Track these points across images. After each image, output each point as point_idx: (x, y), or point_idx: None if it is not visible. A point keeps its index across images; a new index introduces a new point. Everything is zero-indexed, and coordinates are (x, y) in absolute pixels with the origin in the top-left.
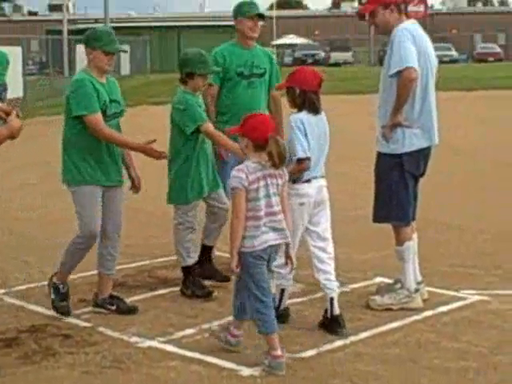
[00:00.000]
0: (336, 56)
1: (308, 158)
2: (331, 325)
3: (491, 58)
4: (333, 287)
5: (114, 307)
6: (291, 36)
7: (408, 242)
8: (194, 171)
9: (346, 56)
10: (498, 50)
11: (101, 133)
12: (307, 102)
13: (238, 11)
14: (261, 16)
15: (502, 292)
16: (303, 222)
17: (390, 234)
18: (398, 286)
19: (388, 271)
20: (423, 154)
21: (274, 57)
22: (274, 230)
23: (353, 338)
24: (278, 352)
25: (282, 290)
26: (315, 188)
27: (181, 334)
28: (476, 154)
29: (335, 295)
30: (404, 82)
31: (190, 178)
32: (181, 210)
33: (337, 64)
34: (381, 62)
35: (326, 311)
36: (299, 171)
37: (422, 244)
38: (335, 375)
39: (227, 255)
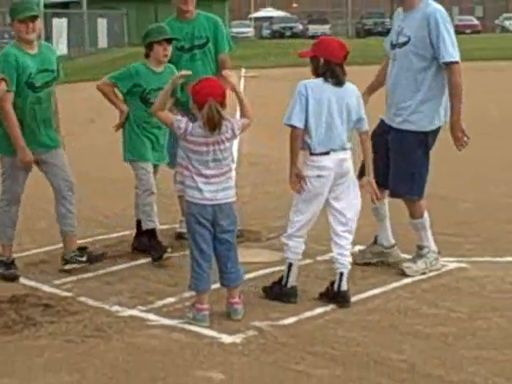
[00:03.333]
0: (314, 29)
1: (295, 127)
2: (336, 298)
3: (468, 30)
4: (344, 263)
5: (83, 258)
6: (269, 9)
7: (425, 212)
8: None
9: (324, 28)
10: (476, 22)
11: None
12: (329, 73)
13: None
14: None
15: (480, 259)
16: (322, 195)
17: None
18: (426, 250)
19: (364, 240)
20: (438, 131)
21: (250, 29)
22: (222, 189)
23: (333, 306)
24: (204, 306)
25: (290, 265)
26: (334, 160)
27: (161, 302)
28: None
29: (345, 271)
30: (460, 79)
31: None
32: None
33: (315, 37)
34: (358, 34)
35: (332, 284)
36: (292, 138)
37: (402, 213)
38: (316, 342)
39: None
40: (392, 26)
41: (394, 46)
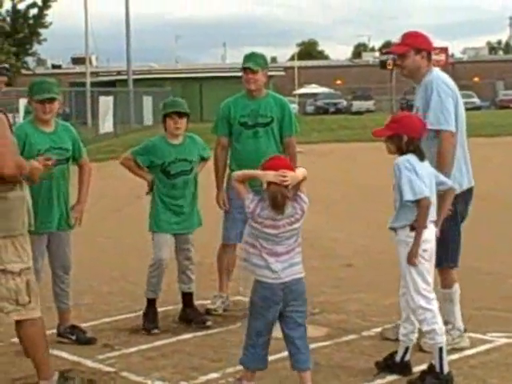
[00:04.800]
0: (358, 104)
1: (426, 197)
2: (400, 368)
3: None
4: (413, 338)
5: (74, 337)
6: (313, 85)
7: (456, 283)
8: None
9: (368, 104)
10: None
11: None
12: (418, 149)
13: (242, 63)
14: (250, 69)
15: None
16: (429, 269)
17: None
18: (450, 326)
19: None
20: (469, 195)
21: (294, 105)
22: (290, 266)
23: (380, 381)
24: (251, 383)
25: (441, 349)
26: (432, 232)
27: (205, 378)
28: (501, 200)
29: (411, 345)
30: (448, 148)
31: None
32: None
33: (359, 112)
34: (402, 109)
35: (392, 354)
36: (423, 214)
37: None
38: None
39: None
40: None
41: None
